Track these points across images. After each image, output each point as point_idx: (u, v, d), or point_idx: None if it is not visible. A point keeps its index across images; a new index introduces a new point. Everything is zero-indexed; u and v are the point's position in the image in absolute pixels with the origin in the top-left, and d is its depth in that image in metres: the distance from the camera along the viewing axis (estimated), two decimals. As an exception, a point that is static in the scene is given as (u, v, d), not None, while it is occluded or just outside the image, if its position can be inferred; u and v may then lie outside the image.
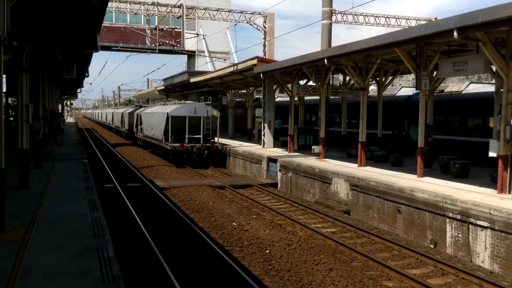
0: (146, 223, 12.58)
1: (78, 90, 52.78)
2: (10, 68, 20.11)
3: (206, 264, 9.77)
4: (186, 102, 29.93)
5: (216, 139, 26.81)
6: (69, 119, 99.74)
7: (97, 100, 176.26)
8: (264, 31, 48.15)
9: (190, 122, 25.49)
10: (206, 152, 25.35)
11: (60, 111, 51.92)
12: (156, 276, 8.96)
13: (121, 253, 9.84)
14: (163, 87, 48.81)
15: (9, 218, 9.47)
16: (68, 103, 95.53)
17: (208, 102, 27.36)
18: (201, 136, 25.60)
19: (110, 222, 11.49)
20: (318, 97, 24.06)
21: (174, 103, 30.59)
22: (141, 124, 35.09)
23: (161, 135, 27.15)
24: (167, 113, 26.02)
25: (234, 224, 13.35)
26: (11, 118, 42.44)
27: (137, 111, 37.81)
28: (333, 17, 36.09)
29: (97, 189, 14.30)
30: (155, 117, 29.59)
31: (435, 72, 16.69)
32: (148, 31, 47.04)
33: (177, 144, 25.13)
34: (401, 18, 45.77)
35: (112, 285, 6.35)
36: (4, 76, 28.81)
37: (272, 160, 21.00)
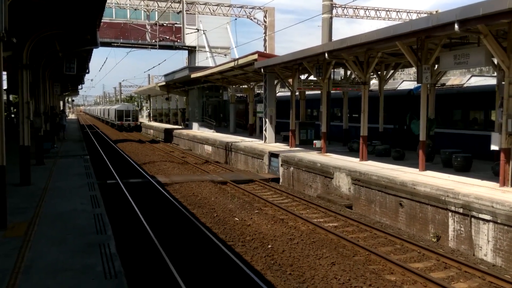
0: (148, 219, 12.59)
1: (79, 87, 52.72)
2: (11, 65, 20.08)
3: (208, 259, 9.78)
4: (124, 103, 69.55)
5: (139, 120, 59.60)
6: (71, 116, 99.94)
7: (99, 96, 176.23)
8: (265, 26, 47.99)
9: (125, 112, 56.07)
10: (132, 125, 55.77)
11: (62, 108, 51.90)
12: (159, 272, 8.97)
13: (123, 249, 9.85)
14: (164, 83, 48.68)
15: (11, 214, 9.49)
16: (70, 99, 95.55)
17: (135, 104, 73.03)
18: (130, 118, 55.93)
19: (112, 218, 11.50)
20: (319, 92, 24.01)
21: (122, 104, 73.20)
22: (109, 114, 68.82)
23: (114, 118, 58.01)
24: (115, 109, 58.78)
25: (236, 219, 13.35)
26: (13, 115, 42.50)
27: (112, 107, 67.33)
28: (334, 11, 35.98)
29: (99, 185, 14.31)
30: (112, 111, 62.85)
31: (436, 66, 16.62)
32: (148, 27, 46.91)
33: (119, 121, 55.78)
34: (402, 12, 45.58)
35: (114, 280, 6.35)
36: (4, 73, 28.82)
37: (273, 155, 20.98)
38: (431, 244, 11.24)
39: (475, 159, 15.31)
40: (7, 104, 41.64)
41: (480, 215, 10.36)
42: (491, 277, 8.92)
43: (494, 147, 12.59)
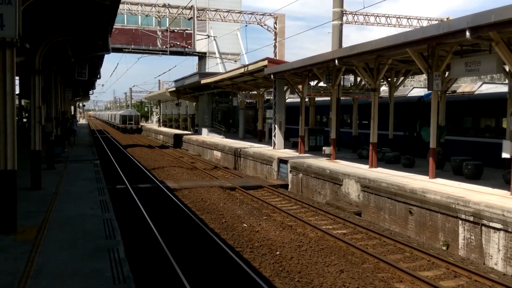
0: (157, 224, 12.63)
1: (90, 92, 53.14)
2: (23, 70, 20.30)
3: (217, 265, 9.78)
4: (127, 109, 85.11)
5: (140, 123, 70.47)
6: (82, 121, 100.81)
7: (109, 101, 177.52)
8: (275, 32, 48.11)
9: (128, 117, 66.11)
10: (134, 128, 64.88)
11: (73, 113, 52.32)
12: (167, 277, 8.98)
13: (132, 254, 9.88)
14: (174, 89, 48.95)
15: (21, 218, 9.55)
16: (81, 104, 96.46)
17: (135, 109, 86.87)
18: (132, 122, 65.47)
19: (121, 223, 11.54)
20: (328, 98, 23.99)
21: (125, 109, 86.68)
22: (115, 118, 79.87)
23: (119, 122, 68.81)
24: (120, 114, 70.32)
25: (245, 225, 13.34)
26: (25, 120, 42.93)
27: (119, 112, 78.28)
28: (344, 18, 35.93)
29: (108, 190, 14.37)
30: (117, 115, 73.80)
31: (447, 73, 16.56)
32: (159, 33, 47.21)
33: (123, 125, 65.49)
34: (412, 19, 45.46)
35: (123, 286, 6.37)
36: (17, 78, 29.15)
37: (282, 161, 20.96)
38: (440, 253, 11.15)
39: (486, 167, 15.17)
40: (19, 109, 42.07)
41: (491, 224, 10.26)
42: (501, 286, 8.83)
43: (505, 155, 12.49)
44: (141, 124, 70.52)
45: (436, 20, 44.58)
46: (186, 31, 48.56)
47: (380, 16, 44.74)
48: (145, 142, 49.54)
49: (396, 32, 15.83)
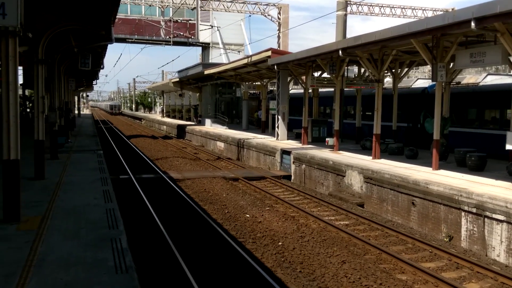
0: (160, 215, 12.67)
1: (94, 82, 53.10)
2: (27, 60, 20.30)
3: (219, 255, 9.81)
4: (114, 101, 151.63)
5: (121, 109, 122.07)
6: (85, 111, 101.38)
7: (113, 92, 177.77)
8: (279, 23, 47.84)
9: (114, 106, 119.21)
10: (117, 112, 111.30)
11: (76, 103, 52.28)
12: (170, 267, 9.02)
13: (134, 244, 9.91)
14: (177, 79, 48.86)
15: (25, 208, 9.59)
16: (84, 95, 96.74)
17: (119, 101, 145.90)
18: (116, 108, 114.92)
19: (124, 213, 11.57)
20: (332, 89, 23.90)
21: (113, 101, 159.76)
22: (107, 106, 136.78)
23: (109, 109, 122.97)
24: (109, 104, 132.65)
25: (247, 216, 13.37)
26: (28, 110, 42.99)
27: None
28: (348, 8, 35.75)
29: (112, 180, 14.40)
30: (108, 105, 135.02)
31: (451, 64, 16.44)
32: (162, 23, 47.08)
33: (111, 110, 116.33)
34: (417, 9, 45.11)
35: (125, 275, 6.39)
36: (20, 68, 29.11)
37: (285, 152, 20.95)
38: (443, 244, 11.15)
39: (489, 159, 15.13)
40: (23, 99, 42.13)
41: (494, 215, 10.24)
42: (503, 278, 8.82)
43: (509, 147, 12.43)
44: (121, 110, 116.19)
45: (441, 11, 44.26)
46: (190, 21, 48.40)
47: (385, 6, 44.44)
48: (148, 132, 49.60)
49: (401, 23, 15.71)
